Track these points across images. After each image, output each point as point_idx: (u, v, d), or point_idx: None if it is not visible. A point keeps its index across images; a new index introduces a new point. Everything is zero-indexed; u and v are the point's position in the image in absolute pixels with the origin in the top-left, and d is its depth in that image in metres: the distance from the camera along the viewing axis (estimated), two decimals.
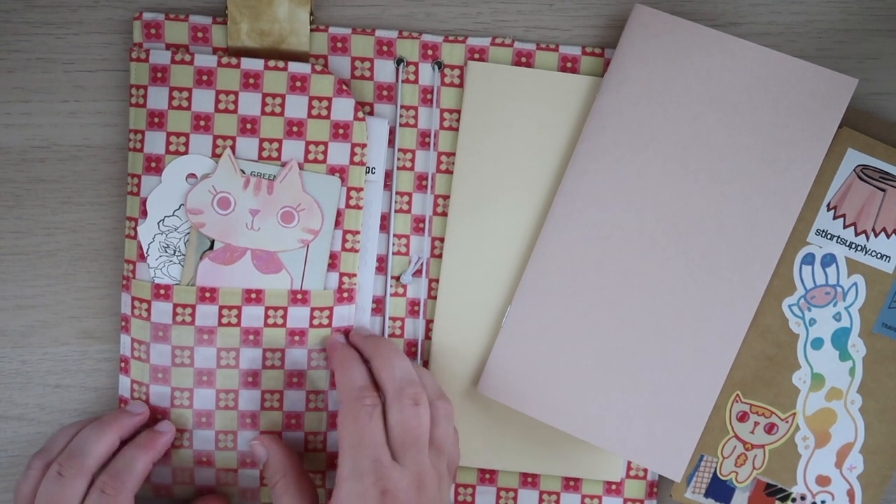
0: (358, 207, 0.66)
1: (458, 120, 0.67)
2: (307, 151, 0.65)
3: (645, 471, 0.69)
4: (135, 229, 0.66)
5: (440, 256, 0.68)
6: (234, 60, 0.65)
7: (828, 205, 0.67)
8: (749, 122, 0.65)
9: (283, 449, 0.65)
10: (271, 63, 0.65)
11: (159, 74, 0.65)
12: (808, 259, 0.67)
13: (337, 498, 0.58)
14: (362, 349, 0.65)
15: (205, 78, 0.65)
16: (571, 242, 0.66)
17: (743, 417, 0.68)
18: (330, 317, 0.66)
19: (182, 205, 0.65)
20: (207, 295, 0.65)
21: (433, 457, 0.61)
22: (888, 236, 0.66)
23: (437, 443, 0.62)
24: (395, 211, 0.67)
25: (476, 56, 0.67)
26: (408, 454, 0.59)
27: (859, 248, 0.67)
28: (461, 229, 0.67)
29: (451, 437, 0.63)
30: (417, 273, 0.68)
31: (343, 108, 0.65)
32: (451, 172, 0.67)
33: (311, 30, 0.66)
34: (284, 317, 0.66)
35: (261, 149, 0.65)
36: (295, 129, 0.65)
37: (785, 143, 0.65)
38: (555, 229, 0.66)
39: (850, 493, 0.68)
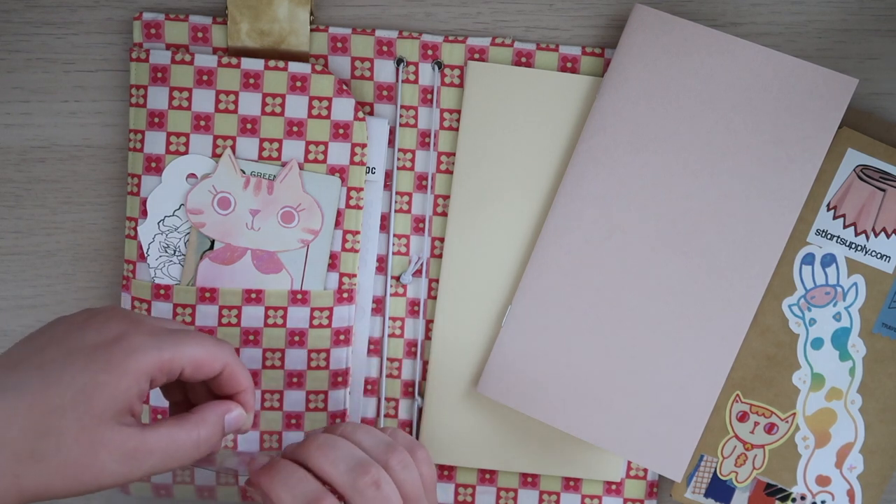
0: (358, 207, 0.66)
1: (458, 120, 0.67)
2: (307, 151, 0.65)
3: (645, 471, 0.69)
4: (135, 229, 0.66)
5: (440, 256, 0.68)
6: (234, 60, 0.65)
7: (828, 205, 0.67)
8: (749, 121, 0.65)
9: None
10: (271, 63, 0.65)
11: (159, 74, 0.65)
12: (808, 259, 0.67)
13: None
14: (294, 459, 0.57)
15: (205, 78, 0.65)
16: (571, 242, 0.66)
17: (743, 417, 0.68)
18: (330, 317, 0.66)
19: (182, 205, 0.65)
20: (207, 295, 0.65)
21: None
22: (888, 236, 0.66)
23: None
24: (395, 211, 0.67)
25: (476, 56, 0.67)
26: None
27: (859, 248, 0.67)
28: (461, 229, 0.67)
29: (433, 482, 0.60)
30: (417, 273, 0.68)
31: (343, 108, 0.65)
32: (451, 172, 0.67)
33: (311, 30, 0.66)
34: (284, 317, 0.66)
35: (261, 149, 0.65)
36: (295, 129, 0.65)
37: (785, 143, 0.65)
38: (555, 229, 0.66)
39: (850, 493, 0.68)
